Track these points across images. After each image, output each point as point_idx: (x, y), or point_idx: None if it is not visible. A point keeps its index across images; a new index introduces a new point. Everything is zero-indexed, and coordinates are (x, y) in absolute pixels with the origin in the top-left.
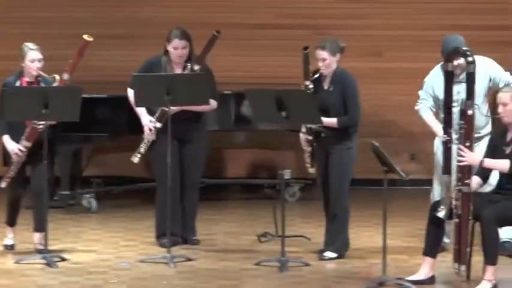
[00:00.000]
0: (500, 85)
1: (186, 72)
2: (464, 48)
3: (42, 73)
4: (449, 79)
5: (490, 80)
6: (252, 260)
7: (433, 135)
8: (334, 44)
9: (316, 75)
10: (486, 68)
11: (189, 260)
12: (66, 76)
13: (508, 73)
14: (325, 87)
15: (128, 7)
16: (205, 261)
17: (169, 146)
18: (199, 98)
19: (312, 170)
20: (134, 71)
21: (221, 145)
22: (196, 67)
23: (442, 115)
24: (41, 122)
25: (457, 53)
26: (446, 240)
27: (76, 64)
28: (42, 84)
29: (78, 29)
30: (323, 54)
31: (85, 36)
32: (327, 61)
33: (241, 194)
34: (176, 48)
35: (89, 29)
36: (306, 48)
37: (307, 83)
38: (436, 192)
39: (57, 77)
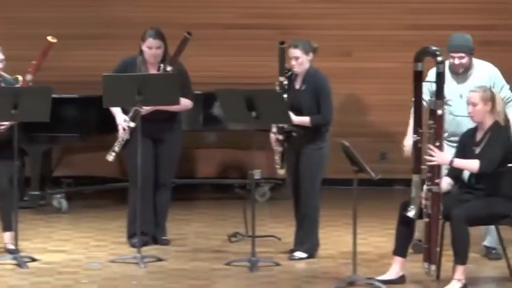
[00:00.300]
0: None
1: (158, 72)
2: (434, 47)
3: (3, 73)
4: (418, 78)
5: (492, 86)
6: (223, 260)
7: (402, 135)
8: (307, 43)
9: (288, 74)
10: (490, 73)
11: (160, 260)
12: (29, 77)
13: (507, 87)
14: (297, 86)
15: (100, 7)
16: (175, 261)
17: (140, 145)
18: (170, 98)
19: (281, 171)
20: (106, 71)
21: (192, 145)
22: (168, 68)
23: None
24: (3, 123)
25: (426, 52)
26: None
27: (39, 65)
28: (3, 85)
29: (49, 29)
30: (296, 52)
31: (49, 38)
32: (299, 59)
33: (211, 194)
34: (150, 47)
35: (60, 29)
36: (282, 43)
37: (282, 79)
38: None
39: (19, 77)
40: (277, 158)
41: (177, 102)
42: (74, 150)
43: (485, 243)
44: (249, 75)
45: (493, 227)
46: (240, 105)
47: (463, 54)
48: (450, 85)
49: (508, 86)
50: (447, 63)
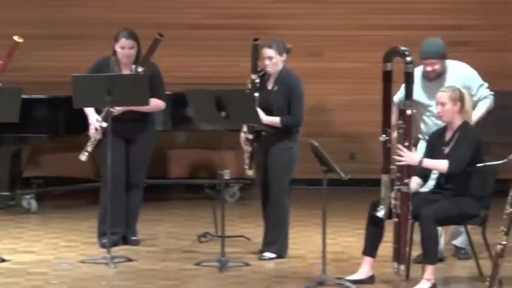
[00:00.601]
0: (475, 98)
1: (130, 73)
2: (403, 48)
3: None
4: (387, 78)
5: (466, 87)
6: (193, 260)
7: (371, 135)
8: (281, 43)
9: (261, 73)
10: (461, 74)
11: (130, 260)
12: None
13: (487, 90)
14: (269, 87)
15: (69, 7)
16: (145, 261)
17: (110, 145)
18: (140, 99)
19: (250, 172)
20: (75, 72)
21: (162, 145)
22: (140, 69)
23: (423, 116)
24: None
25: (395, 52)
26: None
27: (5, 65)
28: None
29: (16, 29)
30: (270, 52)
31: (15, 38)
32: (273, 59)
33: (181, 194)
34: (123, 47)
35: (28, 29)
36: (256, 39)
37: (254, 76)
38: None
39: None
40: (246, 158)
41: (147, 103)
42: (43, 151)
43: (455, 242)
44: (220, 76)
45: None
46: (209, 106)
47: (434, 61)
48: (427, 91)
49: (486, 85)
50: (420, 68)
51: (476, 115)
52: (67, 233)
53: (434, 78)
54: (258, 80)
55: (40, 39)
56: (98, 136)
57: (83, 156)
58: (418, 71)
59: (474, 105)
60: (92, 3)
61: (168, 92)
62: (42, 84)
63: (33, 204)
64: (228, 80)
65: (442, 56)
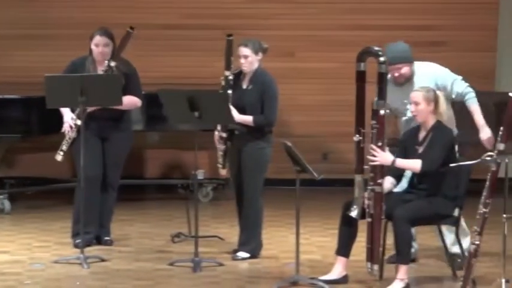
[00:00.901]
0: (453, 96)
1: (103, 68)
2: (376, 48)
3: None
4: (361, 79)
5: (438, 88)
6: (166, 260)
7: (344, 135)
8: (257, 43)
9: (236, 71)
10: (430, 74)
11: (103, 260)
12: None
13: (462, 82)
14: (244, 86)
15: (40, 7)
16: (119, 261)
17: (83, 144)
18: (113, 99)
19: (223, 172)
20: (47, 72)
21: (135, 145)
22: (112, 63)
23: (401, 118)
24: None
25: (368, 52)
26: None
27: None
28: None
29: None
30: (246, 51)
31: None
32: (249, 58)
33: (155, 194)
34: (97, 45)
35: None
36: (229, 35)
37: (227, 73)
38: None
39: None
40: (219, 156)
41: (120, 103)
42: (16, 151)
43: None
44: (193, 76)
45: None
46: (182, 106)
47: (400, 65)
48: (399, 96)
49: (460, 78)
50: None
51: (478, 117)
52: (40, 233)
53: (404, 83)
54: (231, 77)
55: (10, 39)
56: (73, 134)
57: (59, 156)
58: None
59: (456, 101)
60: (64, 3)
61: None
62: (16, 85)
63: (7, 204)
64: (202, 80)
65: (409, 60)
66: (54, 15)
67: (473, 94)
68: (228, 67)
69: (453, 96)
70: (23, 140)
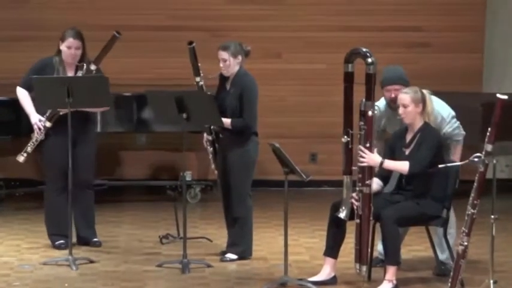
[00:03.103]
0: (449, 130)
1: (81, 72)
2: (365, 49)
3: None
4: (349, 80)
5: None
6: (154, 261)
7: (332, 136)
8: (237, 46)
9: (216, 74)
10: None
11: (92, 262)
12: None
13: (454, 120)
14: (227, 88)
15: (27, 9)
16: (107, 263)
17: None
18: (101, 100)
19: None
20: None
21: (123, 147)
22: (93, 67)
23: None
24: None
25: (357, 53)
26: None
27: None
28: None
29: None
30: (224, 54)
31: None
32: (227, 62)
33: (143, 195)
34: (70, 47)
35: None
36: (190, 43)
37: (198, 79)
38: None
39: None
40: (211, 158)
41: (108, 105)
42: (4, 152)
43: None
44: (180, 77)
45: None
46: (170, 107)
47: (397, 87)
48: (394, 121)
49: (452, 115)
50: (383, 100)
51: (455, 157)
52: (29, 234)
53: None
54: (202, 82)
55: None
56: (41, 137)
57: (21, 158)
58: (381, 103)
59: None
60: (44, 5)
61: (128, 94)
62: (1, 86)
63: None
64: (189, 82)
65: (405, 82)
66: (38, 16)
67: (461, 136)
68: (196, 73)
69: (449, 129)
70: (12, 141)
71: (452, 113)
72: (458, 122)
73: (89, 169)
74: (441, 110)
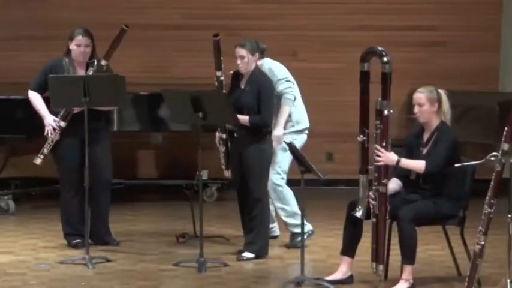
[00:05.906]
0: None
1: (92, 69)
2: (380, 48)
3: None
4: (365, 79)
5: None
6: (171, 260)
7: (349, 135)
8: (254, 43)
9: (233, 72)
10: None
11: (108, 261)
12: None
13: (288, 83)
14: (242, 86)
15: (32, 8)
16: (124, 262)
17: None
18: (116, 99)
19: (227, 173)
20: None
21: (139, 146)
22: (103, 62)
23: None
24: None
25: (372, 52)
26: None
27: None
28: None
29: None
30: (242, 52)
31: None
32: (245, 59)
33: (159, 195)
34: (79, 45)
35: None
36: (216, 35)
37: (219, 73)
38: None
39: None
40: (222, 158)
41: (124, 103)
42: (21, 151)
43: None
44: (197, 76)
45: None
46: (186, 106)
47: None
48: None
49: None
50: None
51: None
52: (45, 233)
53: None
54: (222, 77)
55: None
56: (56, 137)
57: (38, 160)
58: None
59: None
60: (61, 4)
61: (145, 93)
62: (17, 85)
63: (11, 205)
64: (205, 81)
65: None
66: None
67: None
68: (218, 67)
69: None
70: (28, 140)
71: (288, 78)
72: (292, 87)
73: (104, 169)
74: (277, 71)
